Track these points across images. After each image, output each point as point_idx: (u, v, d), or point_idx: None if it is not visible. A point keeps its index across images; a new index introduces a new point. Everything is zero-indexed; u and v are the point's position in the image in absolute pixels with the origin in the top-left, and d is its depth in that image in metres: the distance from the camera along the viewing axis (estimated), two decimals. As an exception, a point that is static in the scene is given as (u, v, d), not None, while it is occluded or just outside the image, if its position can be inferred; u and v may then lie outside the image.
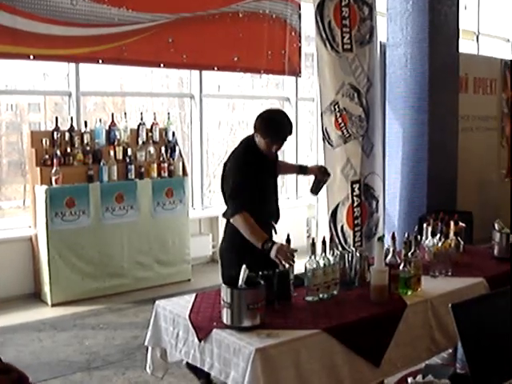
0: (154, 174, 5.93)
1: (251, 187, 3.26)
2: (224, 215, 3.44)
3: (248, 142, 3.45)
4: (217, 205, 7.25)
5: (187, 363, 3.09)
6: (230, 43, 6.49)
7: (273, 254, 3.08)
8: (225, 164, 3.49)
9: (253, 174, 3.29)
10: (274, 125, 3.36)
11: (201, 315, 2.73)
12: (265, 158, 3.41)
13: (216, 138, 7.64)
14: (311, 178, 3.79)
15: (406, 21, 6.06)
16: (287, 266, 3.03)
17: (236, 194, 3.29)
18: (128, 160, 5.77)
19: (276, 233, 3.58)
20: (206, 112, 7.10)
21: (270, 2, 6.73)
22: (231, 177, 3.36)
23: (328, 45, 5.28)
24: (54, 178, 5.33)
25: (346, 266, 3.10)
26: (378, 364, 2.73)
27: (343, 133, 5.43)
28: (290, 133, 3.41)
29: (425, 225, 3.61)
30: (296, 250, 3.11)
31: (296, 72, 7.21)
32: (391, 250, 3.02)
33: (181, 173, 6.13)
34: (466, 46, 8.58)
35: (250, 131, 3.46)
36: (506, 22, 10.00)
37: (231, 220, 3.31)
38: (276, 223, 3.59)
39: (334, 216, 5.42)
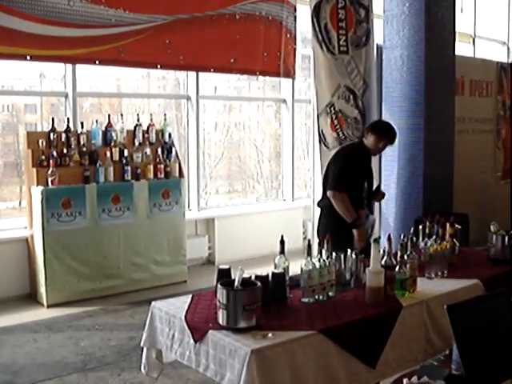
0: (151, 175, 5.92)
1: (352, 176, 4.12)
2: (319, 204, 4.32)
3: (355, 145, 4.48)
4: (213, 206, 7.26)
5: None
6: (227, 45, 6.48)
7: (355, 232, 4.04)
8: (333, 158, 4.39)
9: (355, 167, 4.16)
10: (389, 128, 4.34)
11: (197, 316, 2.73)
12: (366, 156, 4.31)
13: (212, 140, 7.63)
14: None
15: (403, 23, 6.07)
16: (357, 245, 3.64)
17: (342, 177, 4.11)
18: (124, 161, 5.77)
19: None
20: (203, 113, 7.10)
21: (267, 4, 6.72)
22: (340, 163, 4.21)
23: (324, 47, 5.30)
24: (50, 179, 5.32)
25: (342, 267, 3.11)
26: (373, 365, 2.74)
27: (339, 135, 5.44)
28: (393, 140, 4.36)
29: (421, 226, 3.62)
30: (371, 235, 4.17)
31: (290, 74, 7.18)
32: (387, 251, 3.02)
33: (177, 174, 6.13)
34: (462, 48, 8.59)
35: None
36: (502, 24, 10.04)
37: (329, 193, 4.12)
38: (368, 205, 4.40)
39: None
